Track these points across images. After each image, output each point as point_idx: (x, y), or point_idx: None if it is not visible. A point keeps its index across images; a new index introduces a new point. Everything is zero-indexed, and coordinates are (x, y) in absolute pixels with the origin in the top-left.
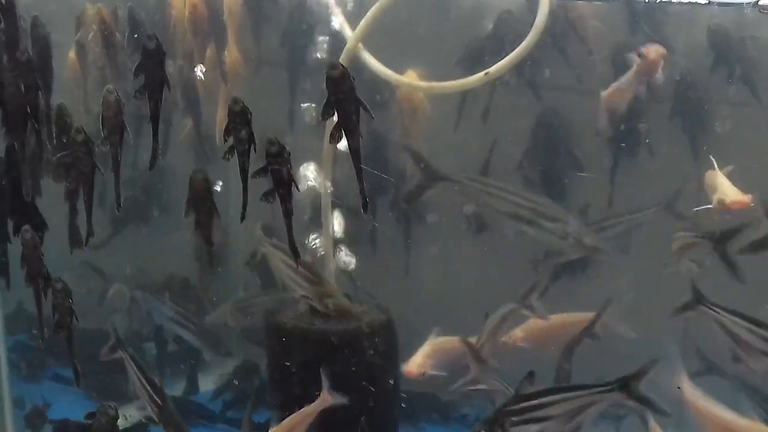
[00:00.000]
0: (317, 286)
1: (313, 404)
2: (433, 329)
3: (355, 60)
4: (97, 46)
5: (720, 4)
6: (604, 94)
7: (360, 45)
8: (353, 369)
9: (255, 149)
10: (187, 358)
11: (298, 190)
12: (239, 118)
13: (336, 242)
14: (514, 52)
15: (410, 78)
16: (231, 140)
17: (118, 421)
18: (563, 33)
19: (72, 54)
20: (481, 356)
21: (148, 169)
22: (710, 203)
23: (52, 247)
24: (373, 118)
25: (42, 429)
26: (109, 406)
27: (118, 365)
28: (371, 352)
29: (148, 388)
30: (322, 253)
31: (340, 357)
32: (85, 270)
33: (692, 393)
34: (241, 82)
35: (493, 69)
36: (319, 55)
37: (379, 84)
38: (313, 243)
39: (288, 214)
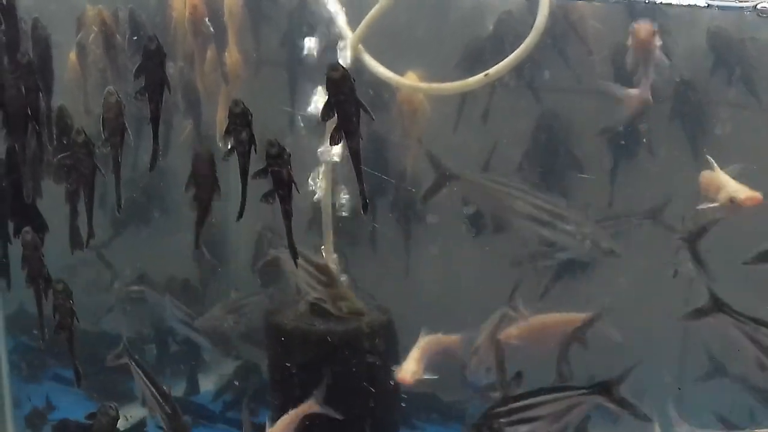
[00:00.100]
0: (331, 288)
1: (297, 409)
2: (421, 330)
3: (356, 61)
4: (97, 47)
5: (720, 7)
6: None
7: (360, 46)
8: (353, 370)
9: (255, 150)
10: (188, 358)
11: (298, 192)
12: (240, 119)
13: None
14: (514, 53)
15: (410, 79)
16: (231, 141)
17: (119, 421)
18: (563, 34)
19: (72, 55)
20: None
21: (148, 170)
22: (705, 203)
23: (53, 249)
24: (373, 119)
25: (42, 429)
26: (110, 406)
27: (118, 366)
28: (371, 352)
29: (158, 397)
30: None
31: (340, 358)
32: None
33: None
34: (241, 84)
35: (492, 70)
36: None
37: (378, 85)
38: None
39: (288, 215)
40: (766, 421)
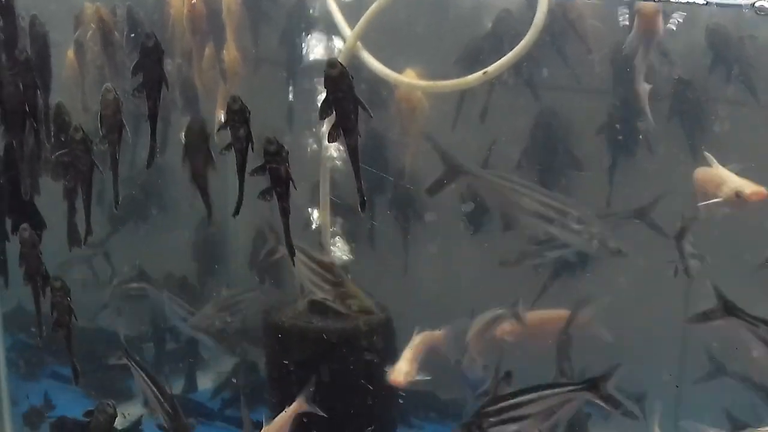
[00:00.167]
0: (339, 287)
1: (288, 410)
2: (415, 329)
3: (354, 59)
4: (95, 44)
5: (718, 5)
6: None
7: (359, 44)
8: (351, 367)
9: (253, 148)
10: (186, 356)
11: (296, 189)
12: (237, 116)
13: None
14: (512, 51)
15: (409, 77)
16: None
17: (116, 419)
18: (562, 32)
19: (70, 53)
20: None
21: (145, 167)
22: (702, 200)
23: (51, 246)
24: (371, 117)
25: (40, 427)
26: (108, 404)
27: (116, 364)
28: (369, 350)
29: (159, 397)
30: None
31: (338, 356)
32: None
33: None
34: (239, 81)
35: (491, 68)
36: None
37: (376, 82)
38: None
39: (285, 212)
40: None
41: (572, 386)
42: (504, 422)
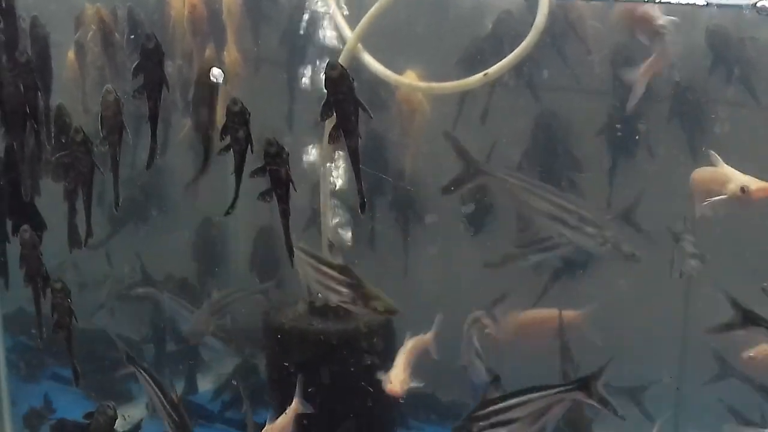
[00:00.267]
0: (360, 289)
1: (287, 413)
2: (407, 334)
3: (355, 60)
4: (96, 46)
5: (719, 6)
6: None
7: (359, 45)
8: (352, 369)
9: (252, 150)
10: (186, 358)
11: (295, 191)
12: (237, 118)
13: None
14: (513, 52)
15: (409, 78)
16: (227, 139)
17: (117, 421)
18: (563, 33)
19: (71, 54)
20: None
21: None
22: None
23: (51, 247)
24: (371, 118)
25: (40, 429)
26: (108, 406)
27: (116, 364)
28: (369, 352)
29: (166, 405)
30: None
31: (338, 357)
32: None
33: None
34: (240, 83)
35: (492, 69)
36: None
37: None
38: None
39: (285, 214)
40: None
41: (562, 387)
42: (494, 426)
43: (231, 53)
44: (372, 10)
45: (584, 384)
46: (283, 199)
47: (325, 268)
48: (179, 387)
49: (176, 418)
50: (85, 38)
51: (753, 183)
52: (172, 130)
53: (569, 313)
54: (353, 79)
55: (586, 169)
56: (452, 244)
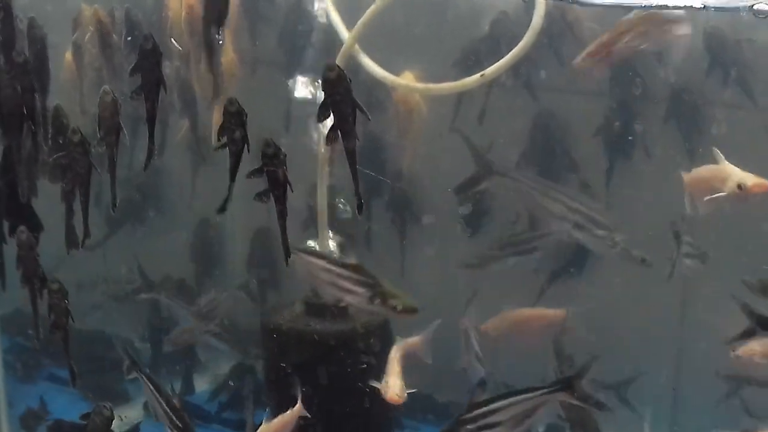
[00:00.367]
0: (378, 288)
1: (286, 415)
2: (396, 338)
3: (352, 61)
4: (93, 47)
5: (716, 8)
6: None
7: (356, 46)
8: (349, 370)
9: (249, 150)
10: (183, 358)
11: (292, 192)
12: (234, 118)
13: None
14: (510, 53)
15: (407, 79)
16: (224, 139)
17: (113, 421)
18: (559, 34)
19: (68, 55)
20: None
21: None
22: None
23: (48, 249)
24: (369, 119)
25: (37, 430)
26: (104, 406)
27: (113, 366)
28: (367, 353)
29: (168, 411)
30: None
31: (335, 358)
32: None
33: None
34: (237, 83)
35: (489, 70)
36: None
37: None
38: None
39: (282, 215)
40: None
41: (546, 389)
42: (481, 429)
43: (228, 54)
44: (369, 11)
45: (568, 384)
46: (280, 200)
47: (338, 269)
48: (176, 388)
49: (179, 425)
50: (82, 39)
51: (749, 179)
52: (169, 131)
53: (555, 312)
54: (350, 80)
55: (583, 170)
56: (449, 245)
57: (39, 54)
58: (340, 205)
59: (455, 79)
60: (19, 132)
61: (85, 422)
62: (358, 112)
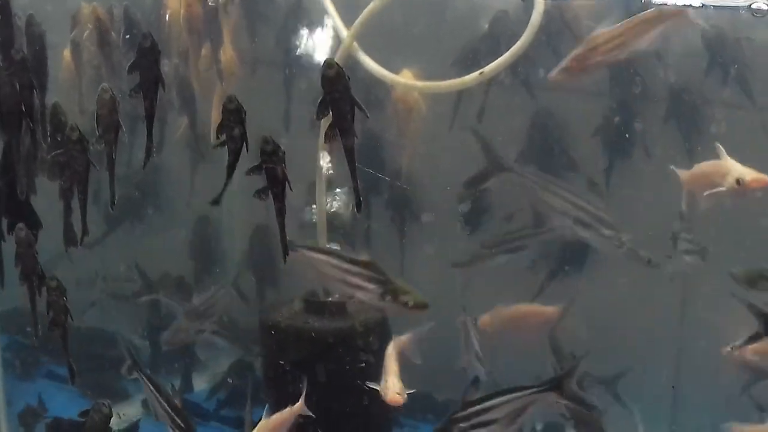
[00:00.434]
0: (389, 284)
1: (286, 411)
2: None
3: (351, 59)
4: (92, 44)
5: (715, 7)
6: None
7: (355, 44)
8: (347, 367)
9: (248, 148)
10: (182, 356)
11: (291, 190)
12: (233, 116)
13: None
14: (509, 51)
15: (405, 78)
16: (223, 137)
17: (112, 419)
18: (558, 32)
19: (67, 53)
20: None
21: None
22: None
23: (47, 246)
24: (368, 117)
25: (36, 427)
26: (103, 404)
27: (112, 363)
28: (365, 350)
29: (170, 411)
30: None
31: (334, 355)
32: None
33: None
34: (236, 82)
35: (487, 68)
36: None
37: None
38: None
39: (281, 212)
40: None
41: (536, 388)
42: (474, 427)
43: (227, 52)
44: (368, 9)
45: (557, 384)
46: (279, 198)
47: (348, 265)
48: (175, 386)
49: (181, 425)
50: (81, 37)
51: (748, 174)
52: (168, 128)
53: (550, 308)
54: (349, 78)
55: (582, 169)
56: (448, 243)
57: (37, 51)
58: (336, 202)
59: (455, 77)
60: (18, 129)
61: (83, 419)
62: (357, 110)
